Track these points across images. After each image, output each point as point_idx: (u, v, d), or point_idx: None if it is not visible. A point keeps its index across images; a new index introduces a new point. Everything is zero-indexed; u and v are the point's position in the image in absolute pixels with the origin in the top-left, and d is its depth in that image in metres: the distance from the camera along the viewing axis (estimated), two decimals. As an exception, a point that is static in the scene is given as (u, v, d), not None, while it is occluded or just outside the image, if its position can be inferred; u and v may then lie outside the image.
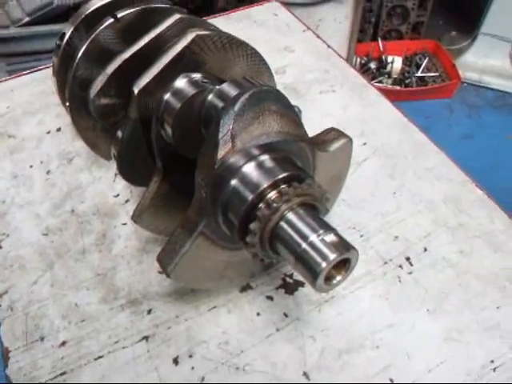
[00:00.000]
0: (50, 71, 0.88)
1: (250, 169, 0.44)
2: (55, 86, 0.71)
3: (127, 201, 0.70)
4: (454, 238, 0.65)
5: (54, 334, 0.57)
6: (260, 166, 0.44)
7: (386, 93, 0.89)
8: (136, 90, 0.53)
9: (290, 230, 0.42)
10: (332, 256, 0.40)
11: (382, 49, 2.42)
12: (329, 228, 0.42)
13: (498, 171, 1.91)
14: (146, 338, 0.56)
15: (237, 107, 0.43)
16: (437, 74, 2.38)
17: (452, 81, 2.32)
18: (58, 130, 0.81)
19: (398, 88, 2.34)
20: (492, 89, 2.41)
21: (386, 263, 0.63)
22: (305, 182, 0.44)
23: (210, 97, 0.49)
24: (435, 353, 0.55)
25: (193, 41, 0.53)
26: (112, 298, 0.59)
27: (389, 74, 2.38)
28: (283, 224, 0.43)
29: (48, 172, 0.74)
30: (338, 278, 0.43)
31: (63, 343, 0.56)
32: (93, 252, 0.64)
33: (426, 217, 0.68)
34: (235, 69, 0.59)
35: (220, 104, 0.47)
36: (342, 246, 0.41)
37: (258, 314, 0.58)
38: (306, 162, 0.50)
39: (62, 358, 0.55)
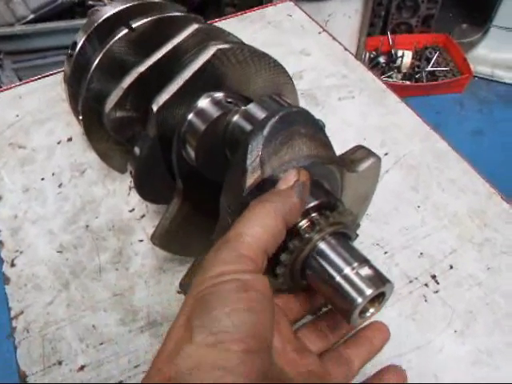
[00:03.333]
0: (58, 77, 0.86)
1: (278, 196, 0.42)
2: (66, 94, 0.69)
3: (143, 216, 0.68)
4: (481, 255, 0.63)
5: (72, 358, 0.55)
6: (289, 192, 0.42)
7: (396, 88, 0.87)
8: (155, 108, 0.51)
9: (322, 262, 0.40)
10: (368, 291, 0.38)
11: (391, 43, 2.38)
12: (363, 260, 0.40)
13: (510, 168, 1.88)
14: (166, 362, 0.54)
15: (266, 131, 0.41)
16: (447, 68, 2.33)
17: (463, 75, 2.28)
18: (69, 139, 0.79)
19: (407, 83, 2.30)
20: (504, 83, 2.36)
21: (411, 281, 0.61)
22: (336, 210, 0.42)
23: (236, 118, 0.46)
24: (464, 376, 0.54)
25: (214, 55, 0.51)
26: (131, 319, 0.58)
27: (398, 69, 2.34)
28: (315, 255, 0.41)
29: (60, 185, 0.72)
30: (372, 310, 0.41)
31: (82, 367, 0.54)
32: (109, 270, 0.62)
33: (451, 232, 0.65)
34: (257, 82, 0.56)
35: (246, 126, 0.45)
36: (378, 279, 0.39)
37: (282, 337, 0.56)
38: (334, 184, 0.48)
39: (82, 382, 0.53)
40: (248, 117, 0.46)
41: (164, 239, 0.54)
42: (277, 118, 0.42)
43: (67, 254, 0.64)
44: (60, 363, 0.55)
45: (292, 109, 0.43)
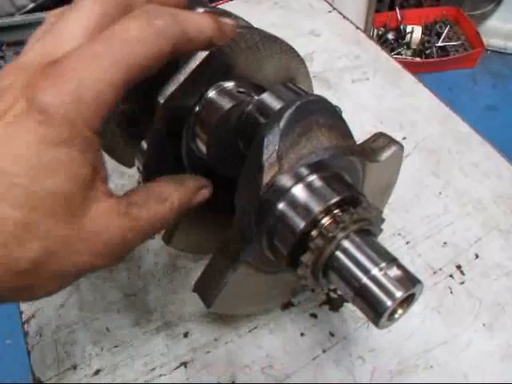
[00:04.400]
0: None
1: (298, 191, 0.39)
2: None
3: (153, 211, 0.65)
4: (507, 243, 0.60)
5: (86, 362, 0.53)
6: (310, 188, 0.39)
7: (406, 65, 0.82)
8: (161, 100, 0.48)
9: (347, 262, 0.38)
10: (398, 294, 0.35)
11: (400, 18, 2.30)
12: (391, 259, 0.37)
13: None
14: (184, 364, 0.53)
15: (282, 123, 0.38)
16: (459, 42, 2.26)
17: (475, 49, 2.20)
18: (74, 133, 0.76)
19: (418, 59, 2.24)
20: (518, 56, 2.29)
21: (435, 273, 0.58)
22: (360, 205, 0.39)
23: (249, 108, 0.43)
24: (493, 372, 0.51)
25: (222, 41, 0.48)
26: (145, 320, 0.56)
27: (408, 45, 2.27)
28: (339, 254, 0.38)
29: (67, 181, 0.70)
30: (400, 311, 0.39)
31: (97, 372, 0.53)
32: (121, 270, 0.60)
33: (476, 219, 0.62)
34: (268, 68, 0.53)
35: (261, 117, 0.42)
36: (408, 280, 0.36)
37: (302, 334, 0.54)
38: (355, 176, 0.45)
39: (97, 387, 0.52)
40: (262, 107, 0.43)
41: (176, 238, 0.52)
42: (293, 108, 0.39)
43: (77, 254, 0.62)
44: (75, 368, 0.53)
45: (309, 97, 0.40)
